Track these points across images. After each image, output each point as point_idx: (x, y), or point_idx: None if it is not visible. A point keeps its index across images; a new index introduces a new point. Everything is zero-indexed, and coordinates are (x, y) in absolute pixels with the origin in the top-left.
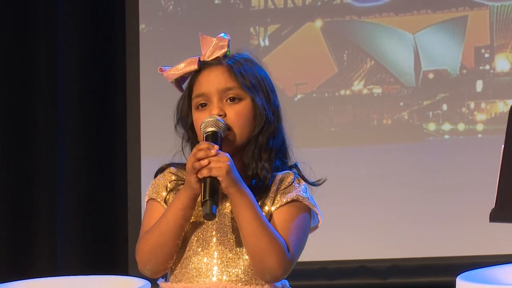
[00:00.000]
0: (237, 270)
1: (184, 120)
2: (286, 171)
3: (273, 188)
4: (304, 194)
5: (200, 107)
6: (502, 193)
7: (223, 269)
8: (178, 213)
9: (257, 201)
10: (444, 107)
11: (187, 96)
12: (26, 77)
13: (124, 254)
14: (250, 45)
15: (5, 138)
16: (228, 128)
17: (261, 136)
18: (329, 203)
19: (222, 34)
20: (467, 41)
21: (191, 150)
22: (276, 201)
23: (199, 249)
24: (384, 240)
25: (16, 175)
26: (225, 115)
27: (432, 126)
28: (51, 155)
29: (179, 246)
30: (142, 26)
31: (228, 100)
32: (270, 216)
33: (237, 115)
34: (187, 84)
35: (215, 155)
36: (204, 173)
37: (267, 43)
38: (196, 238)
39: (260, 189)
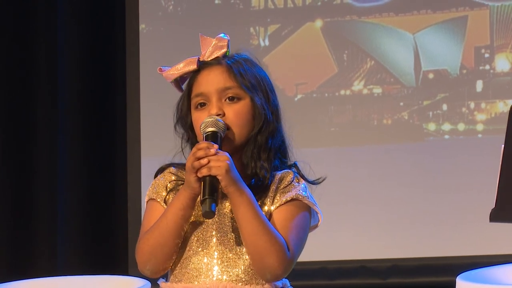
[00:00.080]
0: (237, 270)
1: (184, 120)
2: (285, 170)
3: (273, 187)
4: (303, 193)
5: (199, 107)
6: (502, 193)
7: (223, 269)
8: (178, 213)
9: (257, 201)
10: (444, 107)
11: (187, 96)
12: (26, 77)
13: (124, 254)
14: (250, 45)
15: (5, 138)
16: (227, 127)
17: (260, 136)
18: (329, 203)
19: (221, 35)
20: (467, 41)
21: (191, 150)
22: (276, 200)
23: (199, 249)
24: (384, 240)
25: (16, 175)
26: (224, 115)
27: (432, 126)
28: (51, 155)
29: (179, 246)
30: (142, 26)
31: (227, 100)
32: (270, 215)
33: (236, 115)
34: (186, 84)
35: (215, 154)
36: (204, 172)
37: (267, 43)
38: (196, 238)
39: (260, 188)
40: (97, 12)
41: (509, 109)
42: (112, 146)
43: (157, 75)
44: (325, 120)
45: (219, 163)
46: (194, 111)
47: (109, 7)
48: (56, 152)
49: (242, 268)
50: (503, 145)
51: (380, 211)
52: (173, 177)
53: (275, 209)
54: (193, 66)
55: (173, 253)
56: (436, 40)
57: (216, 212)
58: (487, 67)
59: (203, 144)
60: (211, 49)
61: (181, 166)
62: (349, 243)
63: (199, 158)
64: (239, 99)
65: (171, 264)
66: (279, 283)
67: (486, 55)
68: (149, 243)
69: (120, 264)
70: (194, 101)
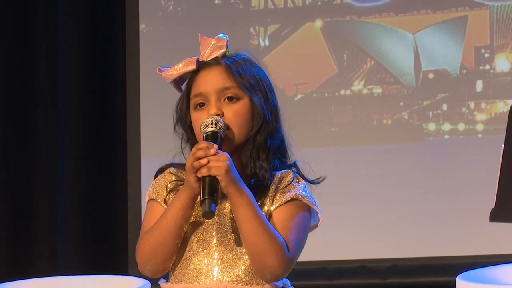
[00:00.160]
0: (237, 270)
1: (183, 120)
2: (285, 170)
3: (272, 187)
4: (303, 192)
5: (198, 107)
6: (502, 193)
7: (224, 269)
8: (178, 213)
9: (257, 201)
10: (444, 107)
11: (186, 96)
12: (26, 77)
13: (124, 254)
14: (250, 45)
15: (5, 138)
16: (226, 127)
17: (259, 136)
18: (329, 203)
19: (220, 35)
20: (467, 41)
21: (191, 150)
22: (276, 200)
23: (200, 250)
24: (384, 240)
25: (16, 175)
26: (222, 115)
27: (432, 126)
28: (51, 155)
29: (179, 246)
30: (142, 26)
31: (226, 100)
32: (269, 215)
33: (235, 115)
34: (185, 84)
35: (214, 154)
36: (203, 172)
37: (267, 43)
38: (196, 239)
39: (259, 188)
40: (97, 12)
41: (509, 109)
42: (112, 146)
43: (157, 75)
44: (325, 120)
45: (218, 163)
46: (193, 111)
47: (109, 7)
48: (56, 152)
49: (242, 269)
50: (503, 145)
51: (380, 211)
52: (173, 177)
53: (275, 209)
54: (192, 67)
55: (173, 253)
56: (436, 40)
57: (216, 213)
58: (487, 67)
59: (203, 144)
60: (210, 49)
61: (181, 166)
62: (349, 243)
63: (198, 158)
64: (238, 99)
65: (171, 264)
66: (279, 283)
67: (486, 55)
68: (149, 243)
69: (120, 264)
70: (193, 101)
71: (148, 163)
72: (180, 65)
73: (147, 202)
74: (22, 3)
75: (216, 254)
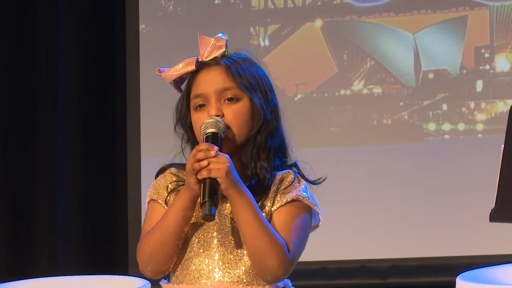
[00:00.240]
0: (238, 271)
1: (183, 120)
2: (286, 170)
3: (273, 188)
4: (304, 193)
5: (198, 108)
6: (502, 193)
7: (224, 270)
8: (178, 214)
9: (257, 201)
10: (444, 107)
11: (186, 96)
12: (26, 77)
13: (124, 254)
14: (250, 45)
15: (5, 138)
16: (227, 128)
17: (260, 136)
18: (329, 203)
19: (220, 34)
20: (467, 41)
21: (191, 150)
22: (276, 201)
23: (200, 250)
24: (384, 240)
25: (16, 175)
26: (223, 115)
27: (432, 126)
28: (51, 155)
29: (180, 247)
30: (142, 26)
31: (226, 100)
32: (270, 216)
33: (235, 115)
34: (185, 85)
35: (215, 156)
36: (204, 174)
37: (267, 43)
38: (197, 240)
39: (260, 189)
40: (97, 12)
41: (509, 109)
42: (112, 146)
43: (157, 75)
44: (325, 120)
45: (219, 165)
46: (193, 111)
47: (109, 7)
48: (56, 152)
49: (243, 270)
50: (503, 145)
51: (380, 211)
52: (174, 178)
53: (275, 210)
54: (192, 67)
55: (174, 254)
56: (436, 40)
57: (216, 214)
58: (487, 67)
59: (203, 146)
60: (210, 49)
61: (181, 167)
62: (349, 243)
63: (199, 160)
64: (238, 99)
65: (172, 265)
66: (280, 284)
67: (486, 55)
68: (150, 244)
69: (120, 264)
70: (193, 102)
71: (148, 163)
72: (180, 65)
73: (148, 202)
74: (22, 3)
75: (217, 255)
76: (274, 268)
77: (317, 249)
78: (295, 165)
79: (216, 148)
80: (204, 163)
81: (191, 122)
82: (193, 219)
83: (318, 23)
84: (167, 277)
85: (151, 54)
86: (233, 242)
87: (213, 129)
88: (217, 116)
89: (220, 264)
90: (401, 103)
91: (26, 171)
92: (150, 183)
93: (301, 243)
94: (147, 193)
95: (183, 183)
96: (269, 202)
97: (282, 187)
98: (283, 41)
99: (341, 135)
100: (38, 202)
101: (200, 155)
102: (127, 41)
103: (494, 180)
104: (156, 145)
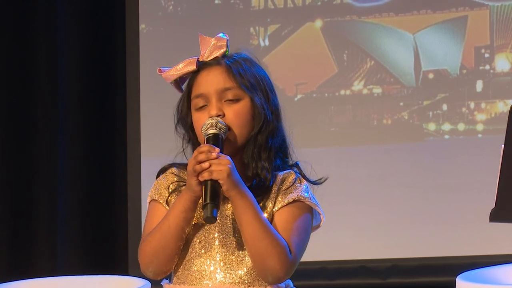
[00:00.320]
0: (240, 272)
1: (184, 120)
2: (287, 170)
3: (275, 188)
4: (305, 194)
5: (199, 108)
6: (502, 193)
7: (226, 271)
8: (180, 215)
9: (258, 202)
10: (444, 107)
11: (186, 96)
12: (26, 77)
13: (124, 254)
14: (250, 45)
15: (5, 138)
16: (228, 128)
17: (260, 136)
18: (329, 203)
19: (220, 34)
20: (467, 41)
21: (192, 150)
22: (278, 202)
23: (202, 251)
24: (384, 240)
25: (16, 175)
26: (223, 115)
27: (432, 126)
28: (51, 155)
29: (181, 248)
30: (142, 26)
31: (227, 100)
32: (271, 216)
33: (236, 115)
34: (186, 85)
35: (216, 158)
36: (205, 176)
37: (267, 43)
38: (198, 240)
39: (261, 189)
40: (97, 12)
41: (509, 109)
42: (112, 146)
43: (157, 75)
44: (325, 120)
45: (220, 167)
46: (194, 112)
47: (109, 7)
48: (56, 152)
49: (245, 270)
50: (503, 145)
51: (380, 211)
52: (175, 178)
53: (277, 210)
54: (193, 67)
55: (175, 255)
56: (436, 40)
57: (217, 216)
58: (487, 67)
59: (204, 147)
60: (210, 49)
61: (182, 167)
62: (349, 243)
63: (200, 162)
64: (238, 99)
65: (173, 266)
66: (282, 285)
67: (486, 55)
68: (151, 245)
69: (120, 264)
70: (194, 102)
71: (148, 163)
72: (181, 65)
73: (149, 202)
74: (22, 3)
75: (218, 256)
76: (275, 269)
77: (317, 249)
78: (296, 165)
79: (217, 149)
80: (206, 164)
81: (192, 122)
82: (194, 220)
83: (318, 23)
84: (169, 277)
85: (151, 54)
86: (234, 243)
87: (214, 130)
88: (218, 116)
89: (221, 265)
90: (401, 103)
91: (26, 171)
92: (150, 183)
93: (302, 244)
94: (147, 193)
95: (184, 183)
96: (270, 202)
97: (284, 188)
98: (283, 41)
99: (341, 135)
100: (38, 202)
101: (202, 156)
102: (127, 41)
103: (494, 180)
104: (156, 145)
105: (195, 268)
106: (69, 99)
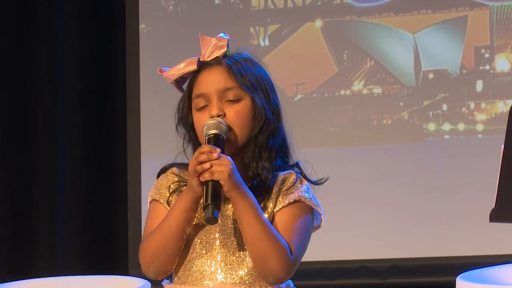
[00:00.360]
0: (240, 272)
1: (185, 120)
2: (288, 171)
3: (275, 188)
4: (306, 194)
5: (200, 108)
6: (502, 193)
7: (227, 271)
8: (180, 216)
9: (259, 202)
10: (444, 107)
11: (187, 96)
12: (26, 77)
13: (124, 254)
14: (250, 45)
15: (5, 138)
16: (229, 128)
17: (261, 136)
18: (329, 203)
19: (221, 34)
20: (467, 41)
21: (193, 150)
22: (278, 202)
23: (203, 252)
24: (384, 240)
25: (16, 175)
26: (224, 115)
27: (432, 126)
28: (51, 155)
29: (182, 249)
30: (142, 26)
31: (228, 101)
32: (272, 217)
33: (236, 115)
34: (187, 84)
35: (217, 158)
36: (206, 176)
37: (267, 43)
38: (199, 241)
39: (262, 189)
40: (97, 12)
41: (509, 109)
42: (112, 146)
43: (157, 75)
44: (325, 120)
45: (221, 167)
46: (195, 111)
47: (109, 7)
48: (56, 152)
49: (246, 271)
50: (503, 145)
51: (380, 211)
52: (176, 178)
53: (277, 211)
54: (193, 67)
55: (176, 255)
56: (436, 40)
57: (218, 216)
58: (487, 67)
59: (205, 148)
60: (211, 48)
61: (183, 166)
62: (349, 243)
63: (201, 162)
64: (239, 99)
65: (174, 266)
66: (283, 285)
67: (486, 55)
68: (152, 245)
69: (120, 264)
70: (195, 102)
71: (148, 163)
72: (182, 65)
73: (150, 202)
74: (22, 3)
75: (219, 256)
76: (276, 269)
77: (317, 249)
78: (297, 165)
79: (218, 150)
80: (207, 165)
81: (192, 122)
82: (195, 220)
83: (318, 23)
84: (169, 278)
85: (151, 54)
86: (235, 243)
87: (215, 131)
88: (219, 116)
89: (222, 265)
90: (401, 103)
91: (26, 171)
92: (150, 183)
93: (303, 244)
94: (147, 193)
95: (185, 183)
96: (271, 203)
97: (284, 188)
98: (283, 41)
99: (341, 135)
100: (38, 202)
101: (203, 157)
102: (127, 41)
103: (494, 180)
104: (156, 145)
105: (196, 269)
106: (69, 99)
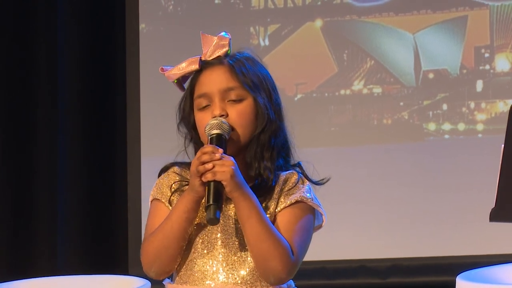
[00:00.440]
0: (242, 272)
1: (187, 119)
2: (290, 171)
3: (277, 188)
4: (308, 194)
5: (202, 108)
6: (502, 193)
7: (228, 271)
8: (182, 216)
9: (261, 202)
10: (444, 107)
11: (189, 96)
12: (26, 77)
13: (124, 254)
14: (250, 45)
15: (5, 138)
16: (231, 128)
17: (263, 135)
18: (329, 202)
19: (223, 33)
20: (467, 41)
21: (195, 150)
22: (280, 203)
23: (204, 251)
24: (384, 240)
25: (16, 175)
26: (227, 115)
27: (432, 126)
28: (51, 155)
29: (184, 248)
30: (142, 26)
31: (230, 100)
32: (274, 217)
33: (239, 115)
34: (188, 84)
35: (220, 159)
36: (208, 177)
37: (267, 43)
38: (201, 240)
39: (264, 189)
40: (97, 12)
41: (509, 109)
42: (112, 146)
43: (157, 75)
44: (325, 120)
45: (224, 168)
46: (197, 111)
47: (109, 7)
48: (56, 152)
49: (247, 271)
50: (503, 145)
51: (380, 211)
52: (177, 177)
53: (279, 211)
54: (195, 66)
55: (178, 255)
56: (436, 40)
57: (220, 218)
58: (487, 67)
59: (208, 148)
60: (213, 48)
61: (185, 166)
62: (349, 243)
63: (204, 163)
64: (241, 99)
65: (176, 266)
66: (284, 286)
67: (486, 55)
68: (154, 245)
69: (120, 264)
70: (197, 101)
71: (148, 163)
72: (183, 64)
73: (151, 201)
74: (22, 3)
75: (220, 256)
76: (277, 270)
77: (317, 249)
78: (298, 165)
79: (221, 150)
80: (209, 165)
81: (194, 122)
82: (197, 220)
83: (318, 23)
84: (171, 277)
85: (151, 54)
86: (237, 243)
87: (218, 131)
88: (221, 116)
89: (224, 265)
90: (401, 103)
91: (26, 171)
92: (150, 183)
93: (304, 245)
94: (147, 193)
95: (186, 183)
96: (273, 203)
97: (286, 188)
98: (283, 41)
99: (341, 135)
100: (38, 202)
101: (205, 157)
102: (127, 41)
103: (494, 180)
104: (156, 145)
105: (198, 268)
106: (69, 99)
